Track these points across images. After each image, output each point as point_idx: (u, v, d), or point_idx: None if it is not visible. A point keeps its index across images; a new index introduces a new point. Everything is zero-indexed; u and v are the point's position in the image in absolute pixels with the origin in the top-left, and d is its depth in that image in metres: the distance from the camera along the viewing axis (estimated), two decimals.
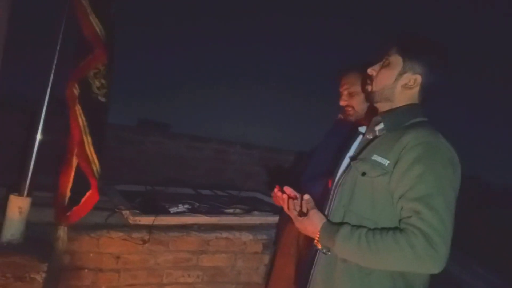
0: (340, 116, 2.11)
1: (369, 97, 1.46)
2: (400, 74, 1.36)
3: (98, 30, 1.95)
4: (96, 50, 1.97)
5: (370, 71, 1.43)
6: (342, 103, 2.03)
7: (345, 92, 2.01)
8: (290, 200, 1.45)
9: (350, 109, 2.00)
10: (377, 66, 1.42)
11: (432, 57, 1.35)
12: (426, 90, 1.37)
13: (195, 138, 4.44)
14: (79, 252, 2.17)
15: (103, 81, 2.05)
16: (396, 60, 1.37)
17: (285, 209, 1.44)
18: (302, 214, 1.40)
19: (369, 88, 1.44)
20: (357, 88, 1.95)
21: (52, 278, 1.96)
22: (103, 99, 2.08)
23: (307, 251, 1.57)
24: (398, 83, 1.36)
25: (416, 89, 1.36)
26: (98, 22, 1.95)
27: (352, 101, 1.99)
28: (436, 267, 1.15)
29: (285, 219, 2.42)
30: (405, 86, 1.36)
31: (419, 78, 1.34)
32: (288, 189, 1.47)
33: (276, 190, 1.49)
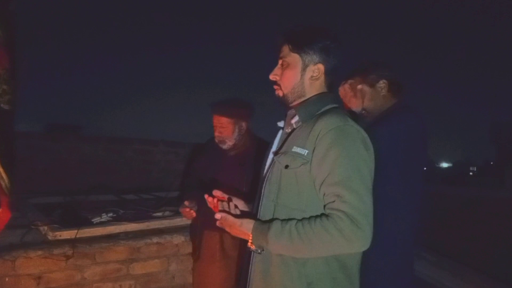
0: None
1: (282, 101, 1.46)
2: (303, 69, 1.40)
3: None
4: None
5: (272, 76, 1.45)
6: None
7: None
8: (219, 203, 1.46)
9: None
10: (277, 70, 1.44)
11: (325, 43, 1.39)
12: (330, 75, 1.43)
13: (113, 139, 4.22)
14: None
15: (4, 86, 1.85)
16: (294, 58, 1.40)
17: (217, 214, 1.42)
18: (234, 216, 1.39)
19: (280, 93, 1.45)
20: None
21: None
22: (6, 107, 1.89)
23: (243, 254, 1.56)
24: (305, 77, 1.41)
25: (322, 78, 1.42)
26: None
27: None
28: (364, 245, 1.21)
29: (200, 228, 2.36)
30: (312, 78, 1.41)
31: (321, 66, 1.40)
32: (217, 192, 1.47)
33: (206, 196, 1.48)
